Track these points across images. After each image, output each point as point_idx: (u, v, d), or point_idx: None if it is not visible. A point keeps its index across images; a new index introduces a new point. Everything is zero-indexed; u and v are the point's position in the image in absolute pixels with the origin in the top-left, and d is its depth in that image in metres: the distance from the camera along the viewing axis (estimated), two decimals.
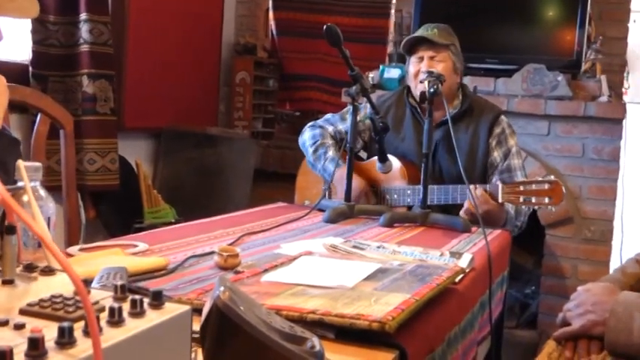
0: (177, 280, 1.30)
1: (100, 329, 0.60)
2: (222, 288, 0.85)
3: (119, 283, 0.72)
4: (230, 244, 1.61)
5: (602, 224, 3.38)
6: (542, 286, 3.49)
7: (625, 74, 3.89)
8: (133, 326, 0.63)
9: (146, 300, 0.69)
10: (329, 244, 1.63)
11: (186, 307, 0.71)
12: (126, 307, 0.66)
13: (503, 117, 2.55)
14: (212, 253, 1.48)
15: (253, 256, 1.54)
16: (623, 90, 3.94)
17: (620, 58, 3.76)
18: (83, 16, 3.29)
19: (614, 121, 3.29)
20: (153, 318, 0.66)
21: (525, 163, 3.37)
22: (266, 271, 1.32)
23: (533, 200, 2.11)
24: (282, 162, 4.32)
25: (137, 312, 0.66)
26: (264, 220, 2.07)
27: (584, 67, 3.45)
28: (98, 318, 0.60)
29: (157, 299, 0.69)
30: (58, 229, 1.58)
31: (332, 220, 2.10)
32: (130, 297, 0.68)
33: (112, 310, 0.63)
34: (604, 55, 3.60)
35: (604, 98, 3.36)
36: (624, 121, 3.31)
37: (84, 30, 3.29)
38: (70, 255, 1.46)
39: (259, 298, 1.10)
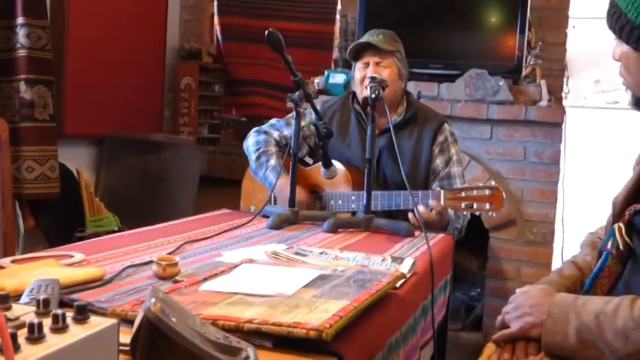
0: (113, 291, 1.27)
1: (18, 347, 0.58)
2: (153, 299, 0.83)
3: (41, 297, 0.70)
4: (170, 253, 1.59)
5: (544, 226, 3.45)
6: (487, 288, 3.54)
7: (565, 79, 3.99)
8: (54, 342, 0.61)
9: (70, 314, 0.67)
10: (271, 251, 1.62)
11: (113, 321, 0.69)
12: (47, 322, 0.64)
13: (446, 125, 2.59)
14: (150, 262, 1.45)
15: (193, 264, 1.52)
16: (563, 94, 4.04)
17: (559, 64, 3.86)
18: (20, 20, 3.20)
19: (554, 125, 3.37)
20: (76, 333, 0.64)
21: (469, 167, 3.43)
22: (205, 280, 1.30)
23: (475, 206, 2.13)
24: (229, 168, 4.30)
25: (59, 327, 0.64)
26: (207, 227, 2.04)
27: (524, 72, 3.53)
28: (15, 335, 0.58)
29: (82, 313, 0.68)
30: None
31: (276, 227, 2.09)
32: (53, 312, 0.66)
33: (31, 326, 0.61)
34: (544, 61, 3.68)
35: (544, 103, 3.44)
36: (564, 124, 3.40)
37: (21, 34, 3.21)
38: (0, 267, 1.42)
39: (196, 308, 1.08)
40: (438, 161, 2.52)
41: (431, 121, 2.55)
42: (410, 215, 2.24)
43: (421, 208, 2.18)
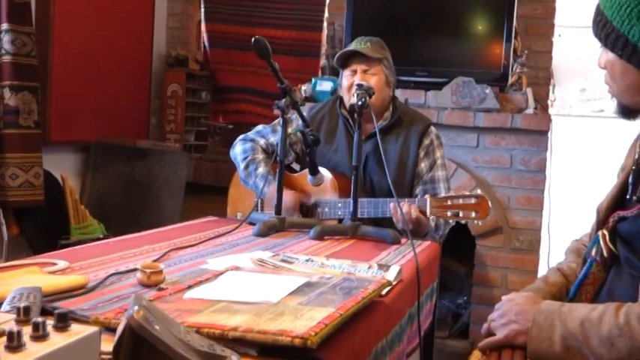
0: (97, 299, 1.26)
1: None
2: (136, 307, 0.82)
3: (22, 305, 0.69)
4: (155, 261, 1.58)
5: (530, 234, 3.47)
6: (473, 296, 3.55)
7: (551, 87, 4.03)
8: (33, 351, 0.61)
9: (50, 322, 0.66)
10: (256, 259, 1.62)
11: (94, 329, 0.69)
12: (28, 330, 0.64)
13: (432, 128, 2.60)
14: (135, 270, 1.45)
15: (178, 272, 1.51)
16: (549, 102, 4.07)
17: (545, 72, 3.89)
18: (4, 26, 3.19)
19: (540, 133, 3.39)
20: (57, 341, 0.64)
21: (455, 175, 3.44)
22: (190, 287, 1.30)
23: (461, 214, 2.14)
24: (216, 175, 4.28)
25: (39, 335, 0.63)
26: (193, 234, 2.04)
27: (511, 80, 3.55)
28: None
29: (62, 321, 0.67)
30: None
31: (262, 234, 2.09)
32: (33, 320, 0.65)
33: (10, 334, 0.60)
34: (530, 69, 3.71)
35: (530, 110, 3.46)
36: (550, 132, 3.42)
37: (5, 40, 3.19)
38: None
39: (180, 316, 1.08)
40: (423, 165, 2.53)
41: (417, 123, 2.56)
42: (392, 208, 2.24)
43: (405, 208, 2.19)
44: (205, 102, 4.68)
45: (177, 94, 4.47)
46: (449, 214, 2.16)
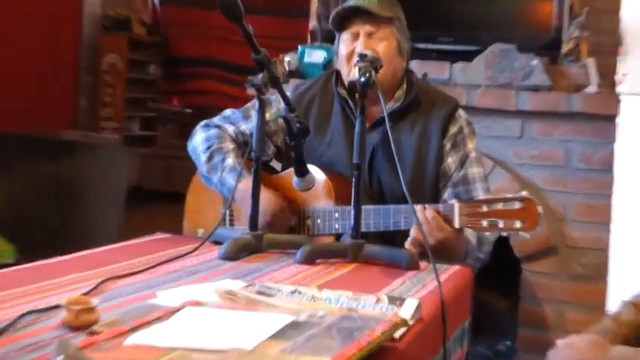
0: (8, 346, 1.25)
1: None
2: (60, 357, 0.82)
3: None
4: (85, 294, 1.58)
5: (595, 255, 3.48)
6: (520, 340, 3.55)
7: (620, 57, 4.03)
8: None
9: None
10: (224, 290, 1.62)
11: None
12: None
13: (461, 112, 2.61)
14: (58, 307, 1.44)
15: (118, 309, 1.51)
16: (618, 78, 4.07)
17: (611, 37, 3.88)
18: None
19: (605, 119, 3.41)
20: None
21: (492, 175, 3.45)
22: (133, 330, 1.30)
23: (501, 225, 2.15)
24: (168, 177, 4.30)
25: None
26: (137, 258, 2.04)
27: (565, 47, 3.56)
28: None
29: None
30: None
31: (231, 257, 2.09)
32: None
33: None
34: (591, 33, 3.71)
35: (592, 88, 3.47)
36: (618, 118, 3.42)
37: None
38: None
39: None
40: (450, 160, 2.54)
41: (440, 107, 2.58)
42: (407, 242, 2.26)
43: (413, 231, 2.20)
44: (154, 78, 4.69)
45: (116, 68, 4.48)
46: (484, 223, 2.17)
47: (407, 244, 2.25)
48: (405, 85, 2.60)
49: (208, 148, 2.59)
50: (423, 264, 2.11)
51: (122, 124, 4.52)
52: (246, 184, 2.36)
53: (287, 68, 3.68)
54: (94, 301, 1.43)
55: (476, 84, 3.52)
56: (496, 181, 3.47)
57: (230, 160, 2.53)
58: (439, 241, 2.19)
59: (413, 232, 2.24)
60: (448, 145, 2.54)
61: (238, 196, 2.44)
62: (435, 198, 2.52)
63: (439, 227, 2.21)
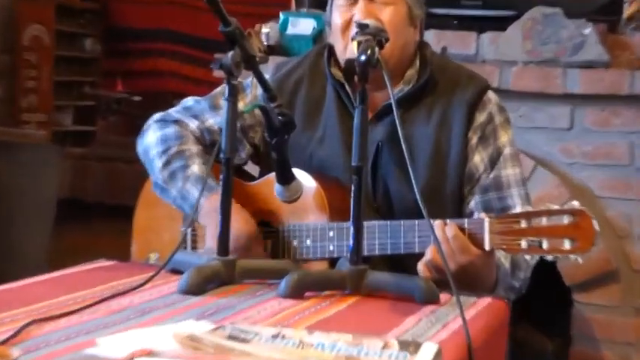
0: None
1: None
2: None
3: None
4: (3, 343, 1.58)
5: None
6: None
7: None
8: None
9: None
10: (186, 335, 1.60)
11: None
12: None
13: (491, 94, 2.65)
14: None
15: None
16: None
17: None
18: None
19: None
20: None
21: (532, 178, 3.46)
22: None
23: (545, 246, 2.15)
24: (111, 185, 4.30)
25: None
26: (72, 293, 2.03)
27: (627, 11, 3.58)
28: None
29: None
30: None
31: (194, 290, 2.08)
32: None
33: None
34: None
35: None
36: None
37: None
38: None
39: None
40: (478, 158, 2.58)
41: (463, 87, 2.61)
42: (419, 264, 2.28)
43: (429, 253, 2.23)
44: (92, 56, 4.69)
45: (42, 43, 4.46)
46: (523, 244, 2.16)
47: (419, 267, 2.28)
48: (417, 63, 2.64)
49: (165, 151, 2.62)
50: (443, 296, 2.09)
51: (50, 116, 4.52)
52: (214, 200, 2.37)
53: (265, 42, 3.68)
54: (14, 351, 1.43)
55: (511, 60, 3.56)
56: (538, 185, 3.50)
57: (194, 168, 2.56)
58: (462, 267, 2.22)
59: (429, 254, 2.25)
60: (475, 139, 2.58)
61: (203, 215, 2.48)
62: (458, 208, 2.55)
63: (462, 249, 2.22)
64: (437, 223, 2.22)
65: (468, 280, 2.22)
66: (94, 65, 4.74)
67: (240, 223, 2.43)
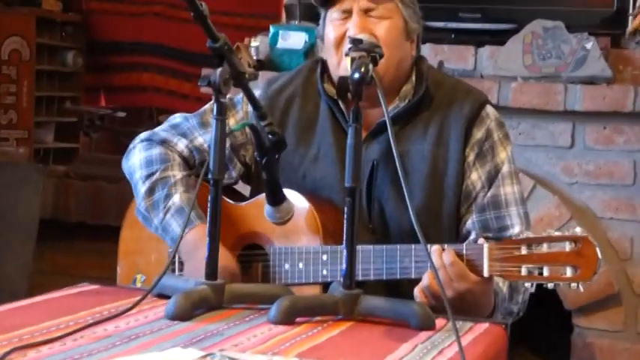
0: None
1: None
2: None
3: None
4: None
5: None
6: None
7: None
8: None
9: None
10: None
11: None
12: None
13: (489, 109, 2.63)
14: None
15: None
16: None
17: None
18: None
19: None
20: None
21: (532, 198, 3.45)
22: None
23: (546, 273, 2.15)
24: (94, 205, 4.28)
25: None
26: (55, 319, 2.02)
27: (631, 24, 3.57)
28: None
29: None
30: None
31: (182, 316, 2.08)
32: None
33: None
34: None
35: None
36: None
37: None
38: None
39: None
40: (475, 176, 2.56)
41: (460, 102, 2.59)
42: (416, 290, 2.27)
43: (426, 278, 2.21)
44: (74, 71, 4.66)
45: (21, 57, 4.46)
46: (523, 271, 2.16)
47: (416, 292, 2.26)
48: (413, 78, 2.62)
49: (149, 176, 2.59)
50: (439, 322, 2.10)
51: (31, 132, 4.49)
52: (196, 234, 2.41)
53: (255, 57, 3.67)
54: None
55: (510, 75, 3.53)
56: (538, 205, 3.48)
57: (176, 198, 2.54)
58: (459, 293, 2.21)
59: (426, 279, 2.24)
60: (472, 155, 2.56)
61: (184, 249, 2.46)
62: (455, 227, 2.54)
63: (460, 276, 2.22)
64: (434, 249, 2.22)
65: (465, 306, 2.22)
66: (76, 80, 4.72)
67: (224, 252, 2.37)
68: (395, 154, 2.11)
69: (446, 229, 2.50)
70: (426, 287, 2.24)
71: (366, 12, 2.50)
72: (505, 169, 2.57)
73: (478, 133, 2.57)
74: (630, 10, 3.56)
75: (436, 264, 2.17)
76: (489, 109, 2.62)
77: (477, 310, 2.30)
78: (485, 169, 2.56)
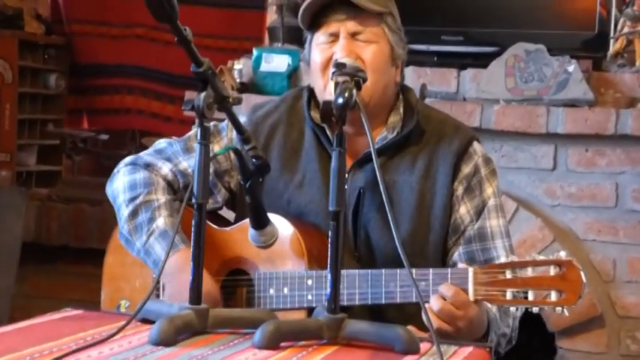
0: None
1: None
2: None
3: None
4: None
5: None
6: None
7: None
8: None
9: None
10: None
11: None
12: None
13: (477, 146, 2.65)
14: None
15: None
16: None
17: None
18: None
19: None
20: None
21: (515, 220, 3.45)
22: None
23: (531, 297, 2.16)
24: (76, 228, 4.26)
25: None
26: (37, 345, 2.01)
27: (613, 47, 3.59)
28: None
29: None
30: None
31: (166, 341, 2.07)
32: None
33: None
34: None
35: None
36: None
37: None
38: None
39: None
40: (463, 210, 2.58)
41: (450, 137, 2.61)
42: (433, 310, 2.25)
43: (435, 302, 2.21)
44: (57, 93, 4.65)
45: (4, 79, 4.45)
46: (508, 295, 2.18)
47: (434, 307, 2.24)
48: (401, 109, 2.63)
49: (133, 199, 2.59)
50: (423, 346, 2.10)
51: (13, 155, 4.48)
52: (179, 257, 2.41)
53: (238, 79, 3.66)
54: None
55: (493, 98, 3.55)
56: (521, 227, 3.51)
57: (159, 222, 2.53)
58: (469, 320, 2.25)
59: (437, 303, 2.24)
60: (460, 189, 2.58)
61: (166, 271, 2.43)
62: (441, 258, 2.56)
63: (465, 303, 2.23)
64: (434, 297, 2.24)
65: (465, 331, 2.25)
66: (59, 102, 4.71)
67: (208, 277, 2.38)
68: (380, 181, 2.13)
69: (431, 260, 2.50)
70: (441, 310, 2.25)
71: (353, 35, 2.51)
72: (491, 202, 2.59)
73: (466, 169, 2.59)
74: (612, 33, 3.57)
75: (437, 307, 2.21)
76: (476, 145, 2.64)
77: (477, 331, 2.32)
78: (473, 203, 2.58)
